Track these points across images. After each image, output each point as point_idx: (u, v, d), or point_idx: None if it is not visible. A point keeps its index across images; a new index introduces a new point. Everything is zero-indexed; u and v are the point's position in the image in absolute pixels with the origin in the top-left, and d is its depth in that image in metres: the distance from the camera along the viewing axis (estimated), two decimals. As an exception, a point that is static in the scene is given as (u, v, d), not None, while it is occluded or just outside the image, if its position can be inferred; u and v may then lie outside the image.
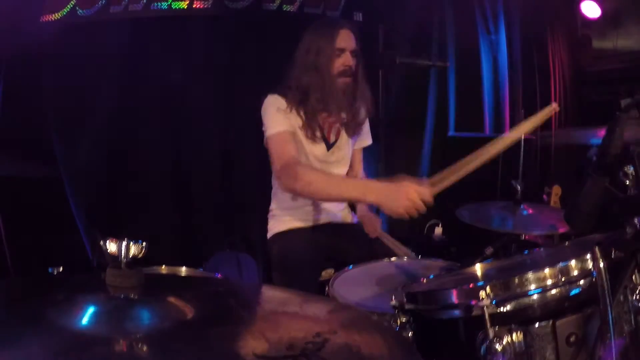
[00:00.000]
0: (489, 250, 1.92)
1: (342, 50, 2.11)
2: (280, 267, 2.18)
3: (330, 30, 2.12)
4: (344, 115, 2.20)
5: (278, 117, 2.06)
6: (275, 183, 2.29)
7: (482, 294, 1.09)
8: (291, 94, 2.13)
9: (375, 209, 2.50)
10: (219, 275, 2.04)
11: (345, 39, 2.12)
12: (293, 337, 0.87)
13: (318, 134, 2.16)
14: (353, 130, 2.25)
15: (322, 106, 2.12)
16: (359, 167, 2.44)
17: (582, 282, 1.11)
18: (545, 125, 3.95)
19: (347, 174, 2.38)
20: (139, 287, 0.95)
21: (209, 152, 3.00)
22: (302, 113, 2.13)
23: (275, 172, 2.04)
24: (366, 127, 2.38)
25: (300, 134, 2.14)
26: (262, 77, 2.99)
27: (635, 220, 1.13)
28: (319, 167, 2.20)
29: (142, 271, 0.97)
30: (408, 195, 1.61)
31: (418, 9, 3.53)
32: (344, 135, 2.25)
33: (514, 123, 3.86)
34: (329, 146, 2.22)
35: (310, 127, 2.13)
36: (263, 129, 2.09)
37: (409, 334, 1.24)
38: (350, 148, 2.31)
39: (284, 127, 2.03)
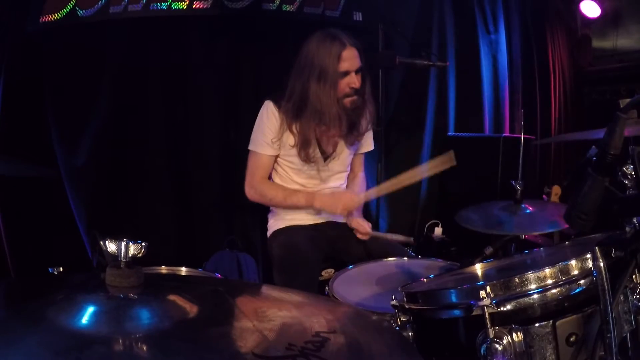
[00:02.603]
0: (489, 250, 1.92)
1: (347, 73, 2.07)
2: (280, 266, 2.18)
3: (333, 52, 2.05)
4: (344, 128, 2.17)
5: (265, 135, 2.15)
6: (274, 183, 2.30)
7: (482, 293, 1.09)
8: (288, 107, 2.12)
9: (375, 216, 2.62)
10: (219, 275, 2.04)
11: (349, 60, 2.07)
12: (293, 336, 0.87)
13: (313, 150, 2.15)
14: (352, 142, 2.25)
15: (316, 126, 2.12)
16: (359, 170, 2.43)
17: (582, 281, 1.12)
18: (546, 125, 3.98)
19: (348, 177, 2.38)
20: (138, 287, 0.95)
21: (209, 152, 3.00)
22: (295, 129, 2.13)
23: (246, 181, 2.23)
24: (369, 135, 2.36)
25: (293, 152, 2.15)
26: (261, 77, 2.99)
27: (635, 220, 1.13)
28: (315, 176, 2.22)
29: (142, 271, 0.97)
30: (343, 199, 2.13)
31: (418, 9, 3.53)
32: (342, 146, 2.24)
33: (513, 123, 3.87)
34: (326, 157, 2.22)
35: (305, 149, 2.12)
36: (252, 134, 2.21)
37: (409, 334, 1.24)
38: (349, 156, 2.31)
39: (265, 150, 2.17)
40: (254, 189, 2.20)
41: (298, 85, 2.10)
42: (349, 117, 2.11)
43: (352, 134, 2.20)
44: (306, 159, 2.14)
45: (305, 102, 2.08)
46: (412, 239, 2.14)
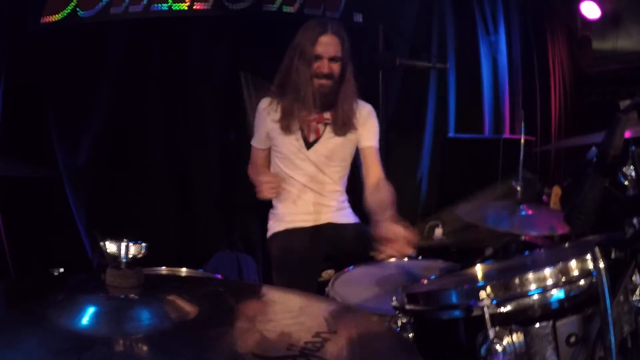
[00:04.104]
0: (489, 251, 1.92)
1: (319, 57, 2.16)
2: (279, 267, 2.18)
3: (313, 35, 2.17)
4: (327, 115, 2.23)
5: (257, 130, 2.32)
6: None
7: (482, 294, 1.09)
8: (275, 90, 2.26)
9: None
10: (219, 275, 2.04)
11: (325, 46, 2.15)
12: (293, 337, 0.87)
13: (294, 128, 2.23)
14: (342, 129, 2.24)
15: (296, 106, 2.20)
16: (376, 169, 2.25)
17: (582, 282, 1.11)
18: (546, 127, 3.98)
19: (366, 177, 2.25)
20: (138, 288, 0.95)
21: (209, 152, 3.00)
22: (280, 107, 2.24)
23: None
24: (369, 126, 2.31)
25: (277, 128, 2.24)
26: (261, 77, 2.99)
27: (635, 221, 1.13)
28: (296, 161, 2.25)
29: (142, 271, 0.97)
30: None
31: (418, 11, 3.54)
32: (328, 133, 2.25)
33: (513, 124, 3.87)
34: (309, 145, 2.24)
35: (286, 121, 2.22)
36: None
37: (410, 335, 1.24)
38: (342, 147, 2.28)
39: (257, 144, 2.33)
40: (251, 179, 2.29)
41: (285, 64, 2.24)
42: (320, 98, 2.19)
43: (338, 120, 2.22)
44: (287, 129, 2.21)
45: (288, 77, 2.21)
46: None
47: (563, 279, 1.11)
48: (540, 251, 1.56)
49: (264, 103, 2.29)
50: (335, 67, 2.18)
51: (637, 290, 1.14)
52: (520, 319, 1.10)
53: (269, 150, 2.33)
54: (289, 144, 2.24)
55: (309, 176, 2.26)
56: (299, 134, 2.23)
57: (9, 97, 2.54)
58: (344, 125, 2.24)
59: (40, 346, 0.78)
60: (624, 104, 1.15)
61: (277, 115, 2.23)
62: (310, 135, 2.25)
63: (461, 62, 3.68)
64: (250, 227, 2.97)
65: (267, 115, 2.26)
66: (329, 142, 2.26)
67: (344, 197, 2.37)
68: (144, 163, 2.88)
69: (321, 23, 2.22)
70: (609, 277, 1.06)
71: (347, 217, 2.35)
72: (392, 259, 1.99)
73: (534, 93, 3.96)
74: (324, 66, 2.17)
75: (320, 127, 2.25)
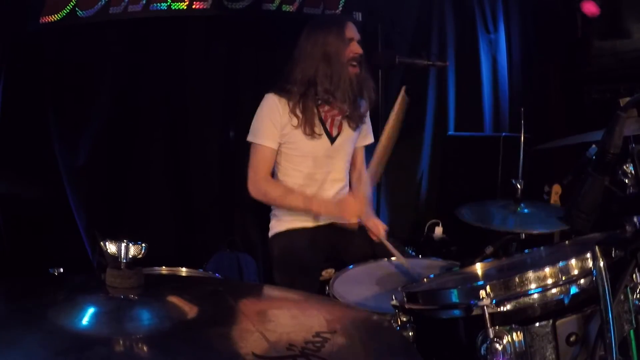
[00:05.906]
0: (489, 250, 1.92)
1: (351, 40, 2.18)
2: (281, 267, 2.18)
3: (337, 23, 2.22)
4: (346, 107, 2.20)
5: (267, 127, 2.15)
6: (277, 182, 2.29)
7: (482, 293, 1.09)
8: (292, 89, 2.15)
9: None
10: (219, 275, 2.04)
11: (352, 30, 2.20)
12: (293, 337, 0.87)
13: (318, 129, 2.17)
14: (356, 123, 2.26)
15: (328, 96, 2.14)
16: (362, 166, 2.41)
17: (582, 281, 1.11)
18: (545, 124, 3.97)
19: (350, 172, 2.36)
20: (138, 288, 0.95)
21: (209, 152, 3.00)
22: (299, 110, 2.14)
23: (248, 177, 2.17)
24: (368, 125, 2.38)
25: (298, 134, 2.15)
26: (261, 77, 2.99)
27: (635, 220, 1.13)
28: (321, 163, 2.21)
29: (142, 272, 0.97)
30: (349, 208, 2.08)
31: (418, 9, 3.53)
32: (346, 128, 2.25)
33: (513, 122, 3.86)
34: (332, 140, 2.23)
35: (309, 124, 2.14)
36: (251, 126, 2.19)
37: (410, 334, 1.24)
38: (352, 142, 2.31)
39: (268, 143, 2.15)
40: (257, 187, 2.15)
41: (304, 61, 2.16)
42: (354, 85, 2.17)
43: (355, 113, 2.22)
44: (311, 132, 2.15)
45: (314, 73, 2.13)
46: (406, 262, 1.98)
47: (563, 278, 1.11)
48: (540, 250, 1.56)
49: (274, 99, 2.16)
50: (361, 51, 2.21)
51: (638, 289, 1.14)
52: (520, 318, 1.10)
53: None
54: (313, 144, 2.17)
55: (321, 171, 2.24)
56: (321, 131, 2.19)
57: (9, 96, 2.54)
58: (359, 118, 2.26)
59: (40, 346, 0.78)
60: (624, 101, 1.15)
61: (295, 121, 2.14)
62: (333, 130, 2.23)
63: (461, 60, 3.68)
64: (250, 227, 2.96)
65: (283, 113, 2.14)
66: (348, 137, 2.27)
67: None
68: (144, 163, 2.88)
69: (335, 15, 2.30)
70: (609, 276, 1.06)
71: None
72: (393, 259, 2.00)
73: (533, 91, 3.96)
74: (357, 48, 2.18)
75: (342, 121, 2.24)
